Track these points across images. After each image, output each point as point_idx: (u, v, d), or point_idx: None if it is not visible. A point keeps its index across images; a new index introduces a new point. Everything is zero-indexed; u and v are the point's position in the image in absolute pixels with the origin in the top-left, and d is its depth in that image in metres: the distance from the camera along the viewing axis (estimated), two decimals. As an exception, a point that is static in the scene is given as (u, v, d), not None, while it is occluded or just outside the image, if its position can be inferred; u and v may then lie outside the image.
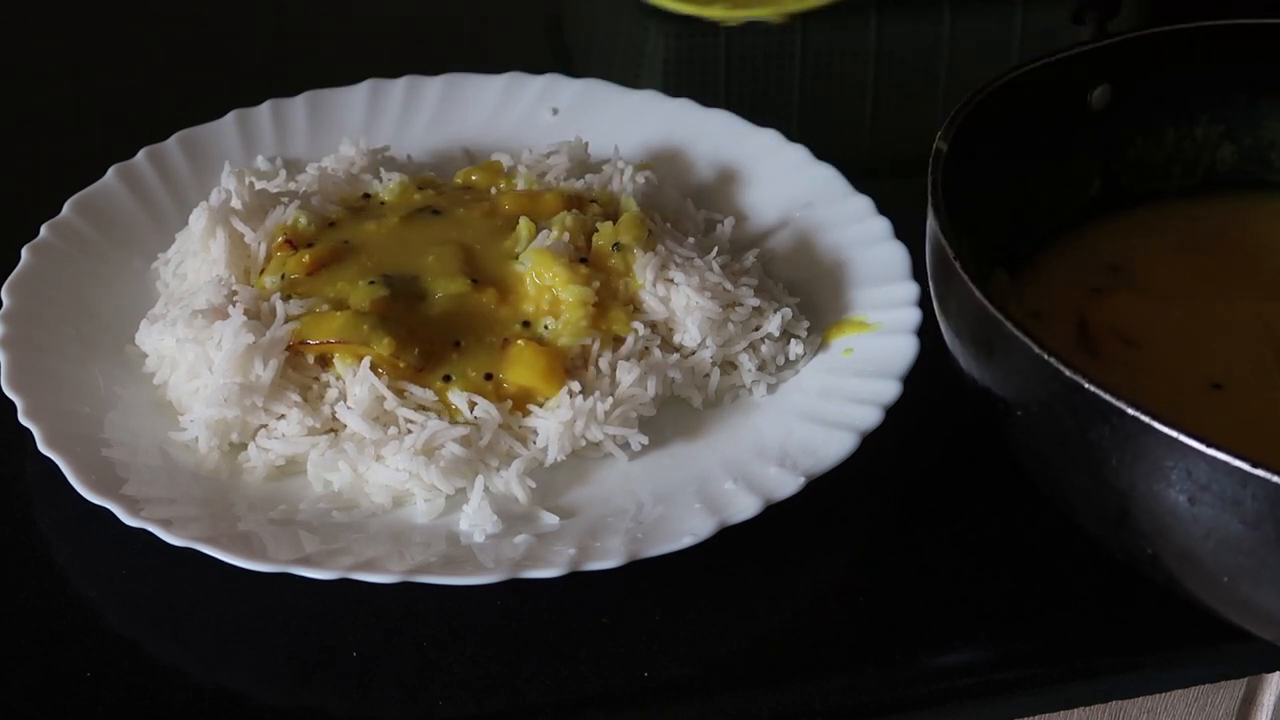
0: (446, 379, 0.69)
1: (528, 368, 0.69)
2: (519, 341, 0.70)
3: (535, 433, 0.68)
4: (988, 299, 0.58)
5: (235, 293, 0.71)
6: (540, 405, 0.69)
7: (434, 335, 0.70)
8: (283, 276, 0.72)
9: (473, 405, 0.68)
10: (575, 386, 0.69)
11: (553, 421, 0.68)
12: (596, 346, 0.71)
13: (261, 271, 0.74)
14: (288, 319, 0.69)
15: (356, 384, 0.68)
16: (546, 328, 0.72)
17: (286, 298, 0.71)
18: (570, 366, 0.70)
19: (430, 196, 0.80)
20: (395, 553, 0.62)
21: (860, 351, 0.72)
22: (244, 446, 0.68)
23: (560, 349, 0.70)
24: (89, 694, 0.59)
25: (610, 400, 0.69)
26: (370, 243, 0.75)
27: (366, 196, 0.80)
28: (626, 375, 0.70)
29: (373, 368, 0.68)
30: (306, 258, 0.73)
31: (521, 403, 0.69)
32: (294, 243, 0.74)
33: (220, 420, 0.67)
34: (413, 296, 0.72)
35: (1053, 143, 0.74)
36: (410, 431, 0.67)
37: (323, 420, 0.68)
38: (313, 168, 0.84)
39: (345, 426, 0.68)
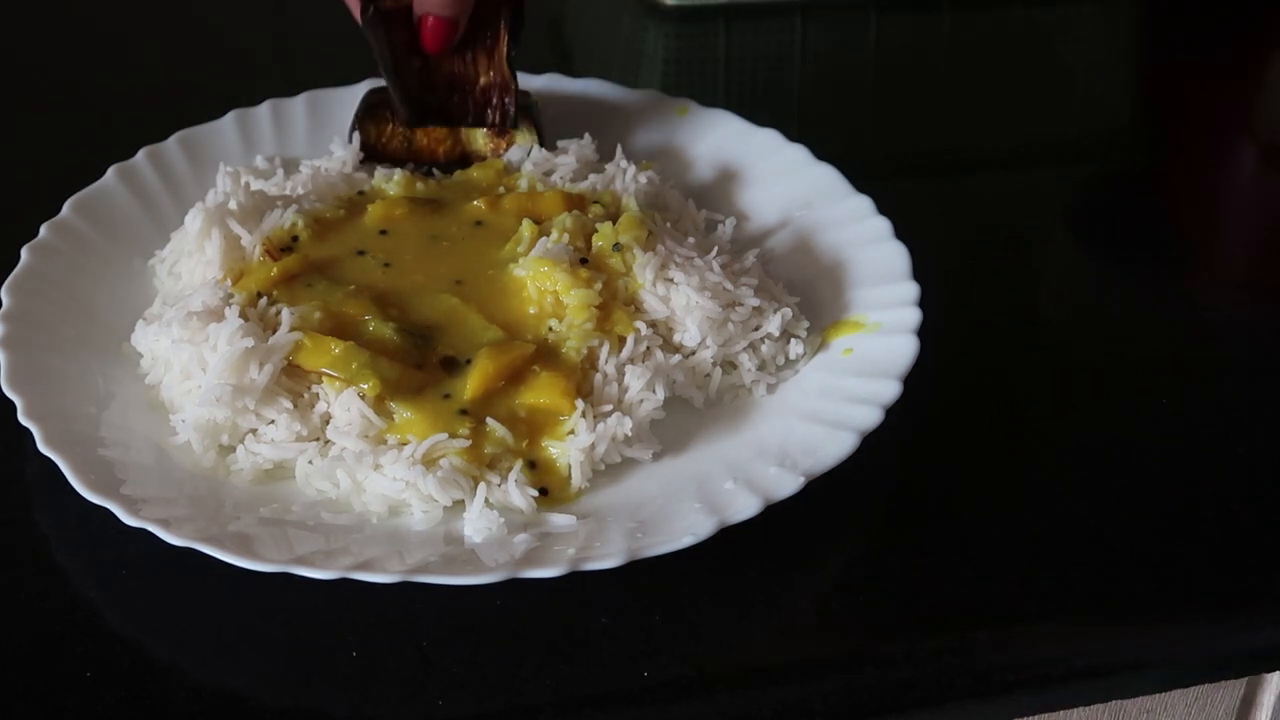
0: (446, 396, 0.69)
1: (545, 390, 0.69)
2: (534, 367, 0.69)
3: (554, 456, 0.68)
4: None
5: (231, 295, 0.71)
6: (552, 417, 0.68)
7: (437, 360, 0.70)
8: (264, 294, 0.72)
9: (489, 431, 0.67)
10: (583, 405, 0.68)
11: (573, 448, 0.67)
12: (605, 351, 0.71)
13: (241, 276, 0.74)
14: (292, 328, 0.69)
15: (340, 408, 0.67)
16: (552, 329, 0.72)
17: (274, 302, 0.71)
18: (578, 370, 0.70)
19: (433, 188, 0.80)
20: (395, 553, 0.62)
21: (860, 351, 0.72)
22: (233, 449, 0.68)
23: (573, 367, 0.70)
24: (89, 694, 0.59)
25: (630, 421, 0.68)
26: (350, 259, 0.75)
27: (361, 193, 0.80)
28: (635, 381, 0.70)
29: (361, 394, 0.67)
30: (274, 271, 0.73)
31: (535, 423, 0.68)
32: (273, 253, 0.74)
33: (210, 421, 0.67)
34: (424, 339, 0.71)
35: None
36: (408, 443, 0.67)
37: (310, 429, 0.68)
38: (306, 167, 0.84)
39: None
